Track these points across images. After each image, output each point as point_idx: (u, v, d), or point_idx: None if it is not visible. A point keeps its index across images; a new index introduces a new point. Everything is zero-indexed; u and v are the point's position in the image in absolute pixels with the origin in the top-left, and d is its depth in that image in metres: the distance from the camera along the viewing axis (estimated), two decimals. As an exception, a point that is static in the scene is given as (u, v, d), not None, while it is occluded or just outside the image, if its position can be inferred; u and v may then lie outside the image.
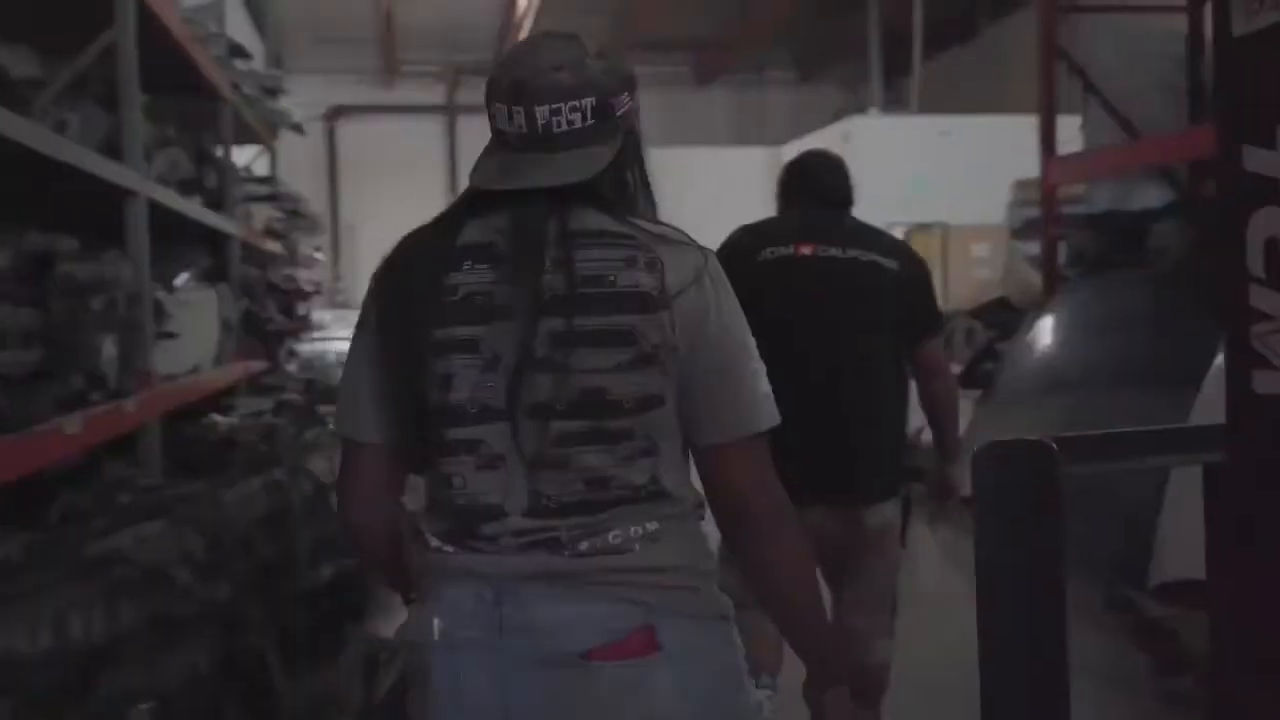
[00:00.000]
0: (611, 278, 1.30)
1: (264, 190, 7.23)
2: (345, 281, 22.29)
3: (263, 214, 7.03)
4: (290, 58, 20.41)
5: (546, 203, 1.34)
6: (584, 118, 1.31)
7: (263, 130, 7.62)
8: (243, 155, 7.99)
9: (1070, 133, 6.45)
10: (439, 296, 1.33)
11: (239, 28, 11.97)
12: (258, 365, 6.58)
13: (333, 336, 15.76)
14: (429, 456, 1.39)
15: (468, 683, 1.32)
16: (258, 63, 7.98)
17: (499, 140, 1.38)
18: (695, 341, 1.33)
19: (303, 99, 17.68)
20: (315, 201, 17.78)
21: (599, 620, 1.31)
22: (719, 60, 22.67)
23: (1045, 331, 5.59)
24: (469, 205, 1.41)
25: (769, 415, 1.38)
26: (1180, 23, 6.66)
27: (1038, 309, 7.37)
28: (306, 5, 17.99)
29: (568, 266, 1.30)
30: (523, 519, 1.33)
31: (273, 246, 7.34)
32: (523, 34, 18.45)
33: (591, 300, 1.30)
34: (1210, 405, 4.31)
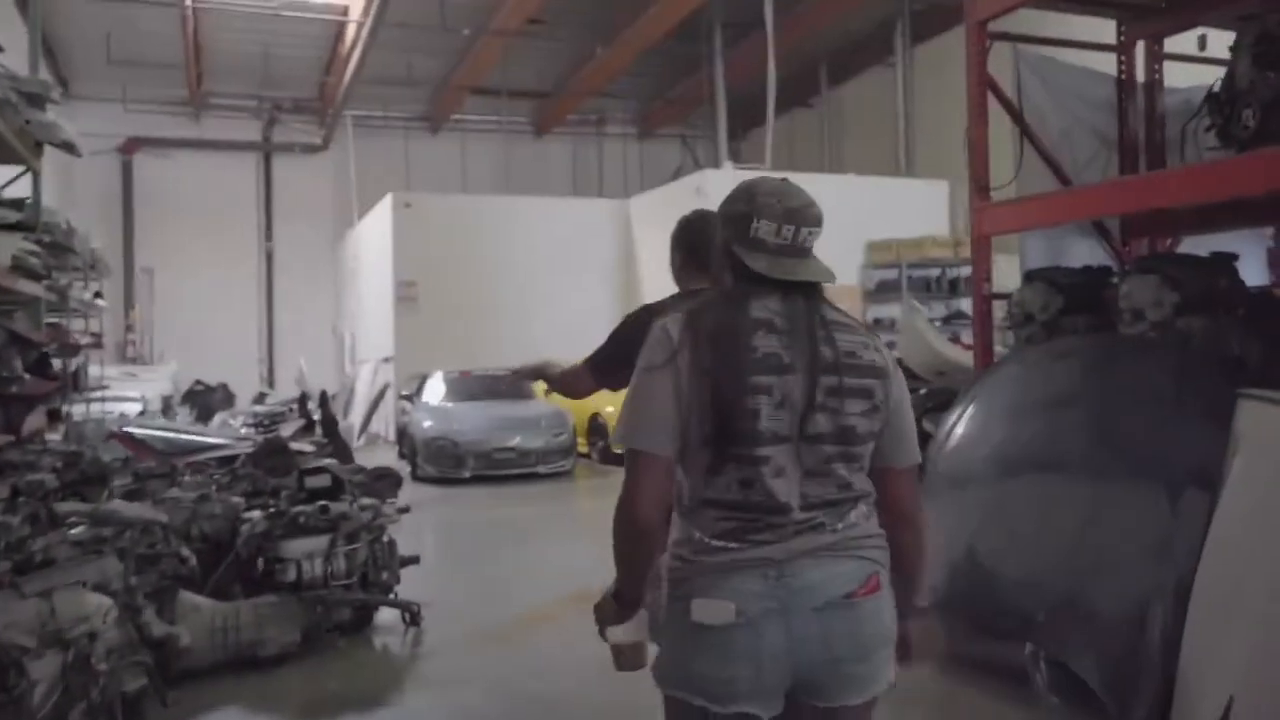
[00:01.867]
0: (859, 354, 2.07)
1: (11, 216, 5.69)
2: (139, 332, 20.03)
3: (10, 245, 5.50)
4: (80, 80, 18.37)
5: (804, 294, 2.09)
6: (816, 238, 2.11)
7: (21, 145, 6.11)
8: (-6, 174, 6.43)
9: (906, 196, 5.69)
10: (748, 355, 2.00)
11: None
12: (-8, 439, 5.12)
13: (121, 397, 13.20)
14: (719, 468, 2.01)
15: (767, 640, 1.98)
16: (16, 60, 6.41)
17: (754, 244, 2.07)
18: (896, 402, 2.13)
19: (95, 128, 15.83)
20: (107, 242, 15.87)
21: (850, 573, 2.04)
22: (556, 112, 21.98)
23: (985, 406, 4.67)
24: (743, 287, 2.09)
25: (919, 451, 2.24)
26: (1109, 63, 6.05)
27: (939, 375, 6.56)
28: (97, 19, 16.04)
29: (833, 344, 2.05)
30: (799, 512, 2.01)
31: (26, 287, 5.83)
32: (350, 69, 17.02)
33: (850, 367, 2.05)
34: (1231, 520, 3.42)
